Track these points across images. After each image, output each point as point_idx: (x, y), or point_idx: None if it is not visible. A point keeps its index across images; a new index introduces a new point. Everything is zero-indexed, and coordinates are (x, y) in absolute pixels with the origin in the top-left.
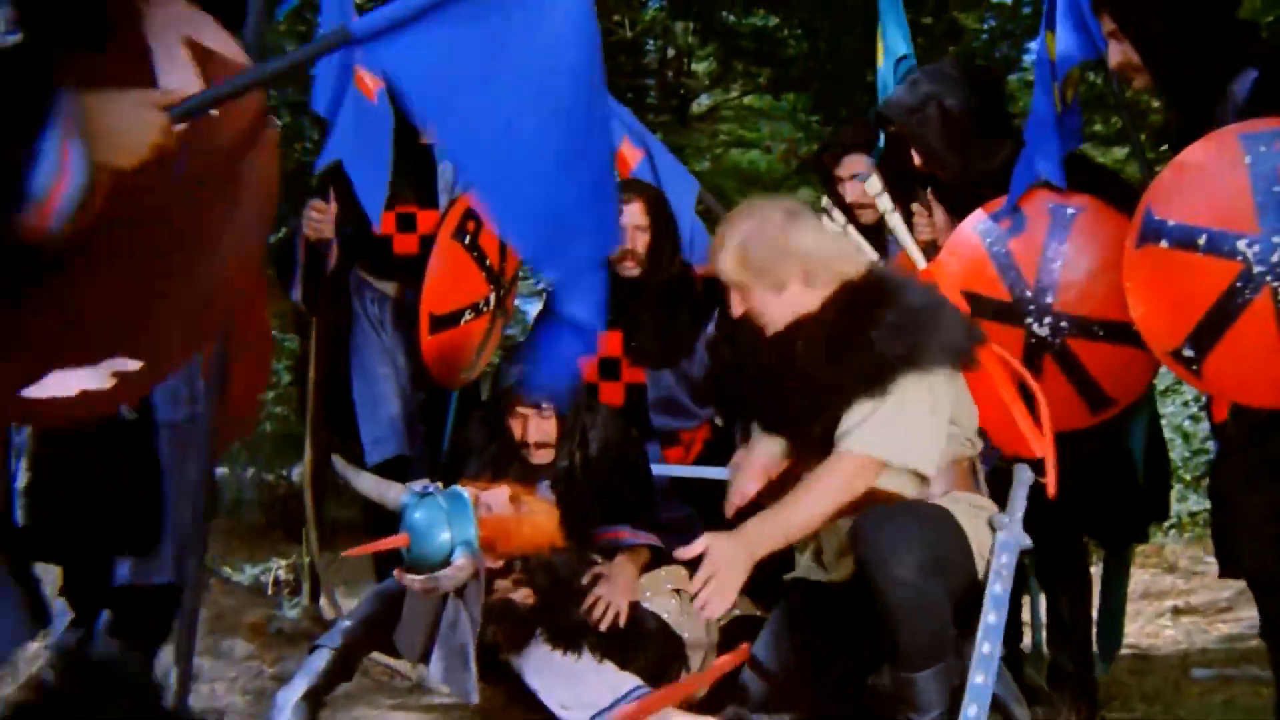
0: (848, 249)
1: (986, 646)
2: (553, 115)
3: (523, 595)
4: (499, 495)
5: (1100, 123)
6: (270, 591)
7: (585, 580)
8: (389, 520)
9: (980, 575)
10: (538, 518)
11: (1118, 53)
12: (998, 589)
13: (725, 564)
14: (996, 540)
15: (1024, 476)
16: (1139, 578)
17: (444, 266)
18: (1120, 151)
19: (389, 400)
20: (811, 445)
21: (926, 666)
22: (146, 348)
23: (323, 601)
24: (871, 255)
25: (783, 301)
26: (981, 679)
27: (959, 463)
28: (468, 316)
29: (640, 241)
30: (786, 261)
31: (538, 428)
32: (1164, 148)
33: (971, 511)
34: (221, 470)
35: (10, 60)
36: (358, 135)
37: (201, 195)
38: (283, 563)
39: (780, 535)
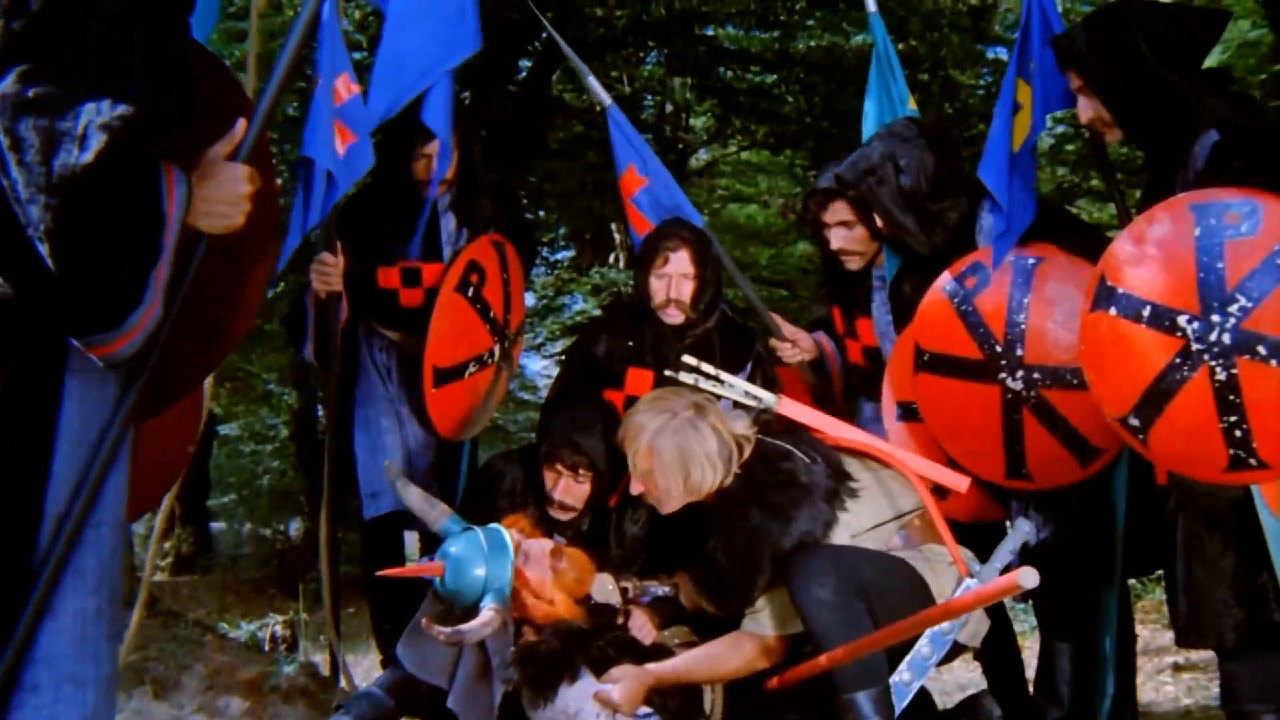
0: (741, 425)
1: (906, 674)
2: None
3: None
4: (540, 546)
5: (1097, 178)
6: (267, 648)
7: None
8: (390, 579)
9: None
10: (569, 581)
11: (1088, 108)
12: (944, 625)
13: (627, 689)
14: (963, 583)
15: (1022, 528)
16: (1139, 633)
17: (447, 319)
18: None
19: (390, 454)
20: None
21: (862, 687)
22: None
23: (320, 657)
24: (768, 399)
25: (685, 492)
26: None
27: (909, 524)
28: (472, 369)
29: (686, 290)
30: (693, 466)
31: (568, 489)
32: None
33: (932, 559)
34: (218, 525)
35: (125, 147)
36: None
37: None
38: (279, 619)
39: (673, 678)
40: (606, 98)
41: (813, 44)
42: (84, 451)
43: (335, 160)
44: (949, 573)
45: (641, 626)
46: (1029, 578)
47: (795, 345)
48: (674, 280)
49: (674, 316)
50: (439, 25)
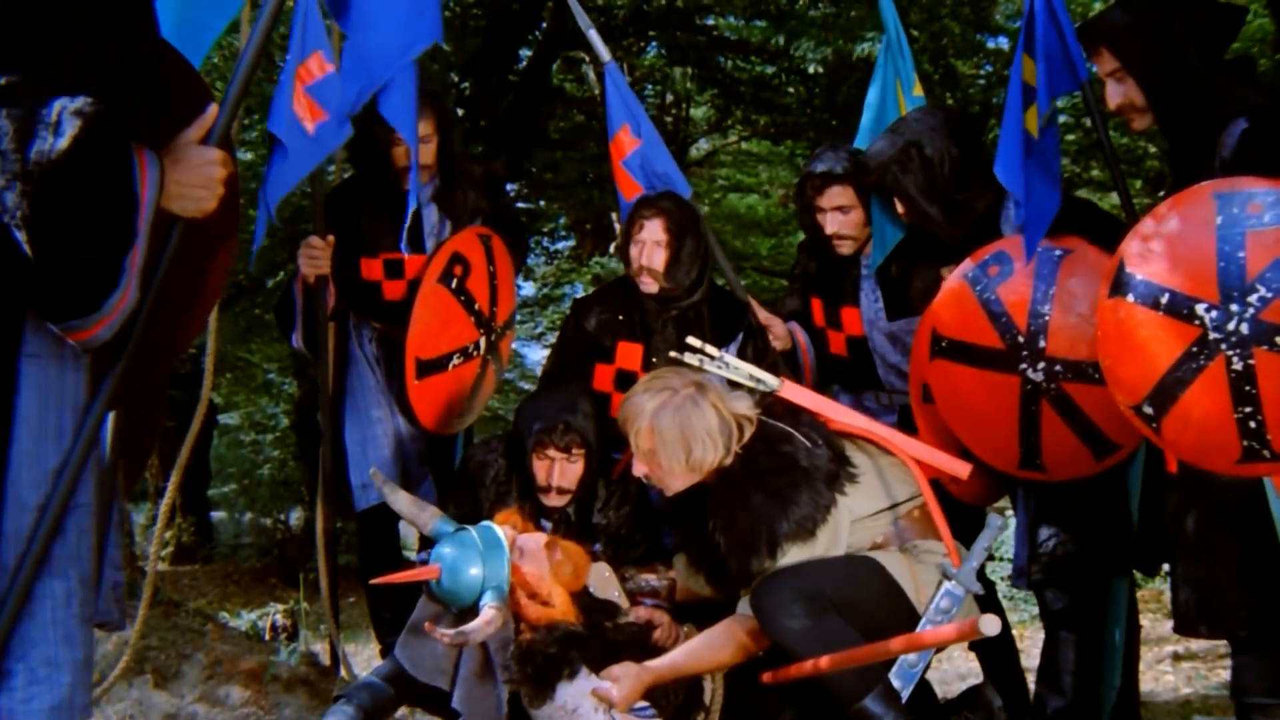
0: (743, 405)
1: (897, 683)
2: None
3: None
4: (535, 540)
5: (1097, 168)
6: (268, 637)
7: (631, 617)
8: (386, 567)
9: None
10: (566, 575)
11: (1118, 94)
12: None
13: (626, 687)
14: (942, 586)
15: (994, 524)
16: None
17: (430, 310)
18: (1117, 198)
19: (380, 444)
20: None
21: (865, 693)
22: None
23: (320, 647)
24: (771, 382)
25: (688, 469)
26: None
27: (907, 516)
28: (456, 361)
29: (658, 258)
30: (694, 443)
31: (563, 472)
32: (1161, 195)
33: (917, 555)
34: (219, 514)
35: (97, 136)
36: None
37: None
38: (280, 608)
39: (672, 673)
40: (606, 53)
41: (814, 47)
42: (44, 436)
43: (303, 138)
44: (934, 572)
45: (667, 636)
46: (990, 625)
47: (770, 331)
48: (647, 247)
49: (648, 285)
50: (399, 20)
